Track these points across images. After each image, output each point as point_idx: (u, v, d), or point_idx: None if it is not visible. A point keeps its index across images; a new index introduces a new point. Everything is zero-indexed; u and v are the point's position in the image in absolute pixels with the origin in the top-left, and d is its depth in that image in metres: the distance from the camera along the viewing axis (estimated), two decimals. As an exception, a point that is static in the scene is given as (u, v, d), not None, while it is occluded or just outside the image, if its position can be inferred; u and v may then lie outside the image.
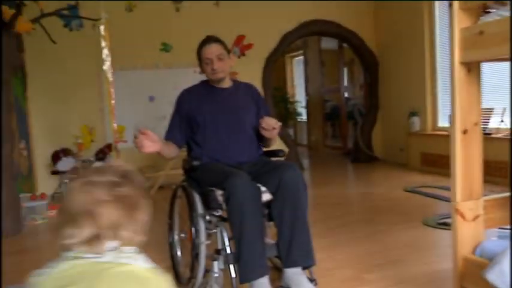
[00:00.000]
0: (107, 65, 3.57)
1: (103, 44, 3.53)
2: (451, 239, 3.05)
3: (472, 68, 1.62)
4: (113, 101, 3.72)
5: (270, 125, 2.34)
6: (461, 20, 1.58)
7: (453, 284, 1.72)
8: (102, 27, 3.50)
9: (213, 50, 2.47)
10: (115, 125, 3.88)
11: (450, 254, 2.74)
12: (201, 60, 2.53)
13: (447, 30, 5.63)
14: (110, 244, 1.04)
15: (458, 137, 1.64)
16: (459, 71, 1.61)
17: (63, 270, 1.03)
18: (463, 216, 1.66)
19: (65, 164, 5.30)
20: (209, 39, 2.51)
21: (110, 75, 3.58)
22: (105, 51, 3.53)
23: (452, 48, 1.61)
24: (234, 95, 2.61)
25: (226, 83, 2.61)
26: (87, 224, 1.02)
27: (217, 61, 2.47)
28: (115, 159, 5.44)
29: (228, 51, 2.55)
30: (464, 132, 1.64)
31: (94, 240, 1.02)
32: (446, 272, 2.49)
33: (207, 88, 2.62)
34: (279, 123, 2.37)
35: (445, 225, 3.35)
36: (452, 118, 1.65)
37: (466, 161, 1.65)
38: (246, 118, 2.56)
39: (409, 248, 2.98)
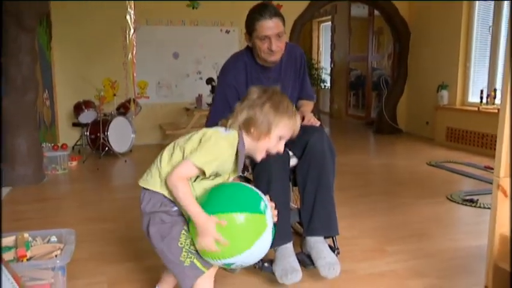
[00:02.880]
0: (130, 14, 3.46)
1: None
2: (477, 216, 3.01)
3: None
4: (134, 52, 3.63)
5: (311, 123, 2.21)
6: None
7: (487, 262, 1.64)
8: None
9: (272, 26, 2.06)
10: (135, 76, 3.79)
11: (477, 232, 2.69)
12: (254, 34, 2.11)
13: (489, 1, 5.40)
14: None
15: (508, 108, 1.52)
16: (517, 37, 1.49)
17: None
18: (504, 193, 1.57)
19: (87, 116, 5.29)
20: (268, 11, 2.07)
21: (132, 24, 3.47)
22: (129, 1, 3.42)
23: (512, 10, 1.48)
24: (278, 74, 2.26)
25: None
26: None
27: (276, 40, 2.08)
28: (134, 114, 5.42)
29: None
30: (516, 104, 1.53)
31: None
32: (473, 249, 2.43)
33: (254, 68, 2.22)
34: (318, 123, 2.23)
35: (471, 202, 3.26)
36: (504, 87, 1.54)
37: (514, 135, 1.54)
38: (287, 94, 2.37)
39: (433, 222, 2.91)
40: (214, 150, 1.48)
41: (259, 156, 1.62)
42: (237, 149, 1.56)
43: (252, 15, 2.11)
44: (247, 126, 1.57)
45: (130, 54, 3.51)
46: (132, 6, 3.39)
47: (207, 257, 1.50)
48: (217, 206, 1.47)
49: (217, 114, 2.06)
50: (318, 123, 2.23)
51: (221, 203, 1.48)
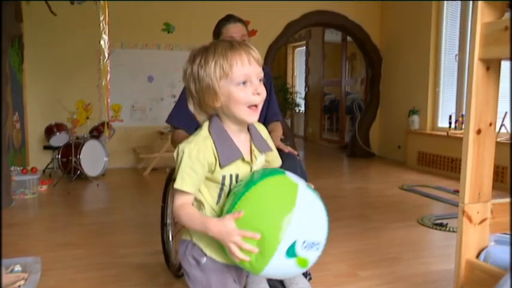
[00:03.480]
0: (104, 39, 3.45)
1: (101, 17, 3.42)
2: (447, 240, 3.06)
3: (492, 66, 1.56)
4: (108, 77, 3.61)
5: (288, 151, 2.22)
6: (484, 15, 1.51)
7: (454, 287, 1.66)
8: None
9: (237, 30, 2.33)
10: (109, 102, 3.77)
11: (447, 255, 2.72)
12: (220, 38, 2.36)
13: (454, 29, 5.63)
14: None
15: (471, 136, 1.58)
16: (478, 68, 1.55)
17: None
18: (469, 219, 1.61)
19: (58, 139, 5.20)
20: (233, 18, 2.37)
21: (106, 50, 3.46)
22: (103, 25, 3.42)
23: (472, 43, 1.54)
24: None
25: None
26: None
27: None
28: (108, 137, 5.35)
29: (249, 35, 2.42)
30: (478, 132, 1.58)
31: None
32: (443, 273, 2.46)
33: None
34: (296, 153, 2.25)
35: (441, 226, 3.31)
36: (466, 116, 1.59)
37: (477, 162, 1.59)
38: None
39: (404, 246, 2.94)
40: (187, 160, 1.19)
41: (247, 117, 1.25)
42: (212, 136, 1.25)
43: (218, 23, 2.40)
44: (206, 106, 1.24)
45: (104, 80, 3.48)
46: (107, 31, 3.39)
47: (261, 258, 1.12)
48: (230, 201, 1.19)
49: (178, 112, 2.39)
50: (296, 153, 2.25)
51: (232, 196, 1.20)
